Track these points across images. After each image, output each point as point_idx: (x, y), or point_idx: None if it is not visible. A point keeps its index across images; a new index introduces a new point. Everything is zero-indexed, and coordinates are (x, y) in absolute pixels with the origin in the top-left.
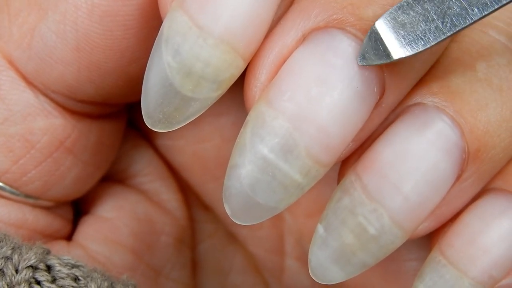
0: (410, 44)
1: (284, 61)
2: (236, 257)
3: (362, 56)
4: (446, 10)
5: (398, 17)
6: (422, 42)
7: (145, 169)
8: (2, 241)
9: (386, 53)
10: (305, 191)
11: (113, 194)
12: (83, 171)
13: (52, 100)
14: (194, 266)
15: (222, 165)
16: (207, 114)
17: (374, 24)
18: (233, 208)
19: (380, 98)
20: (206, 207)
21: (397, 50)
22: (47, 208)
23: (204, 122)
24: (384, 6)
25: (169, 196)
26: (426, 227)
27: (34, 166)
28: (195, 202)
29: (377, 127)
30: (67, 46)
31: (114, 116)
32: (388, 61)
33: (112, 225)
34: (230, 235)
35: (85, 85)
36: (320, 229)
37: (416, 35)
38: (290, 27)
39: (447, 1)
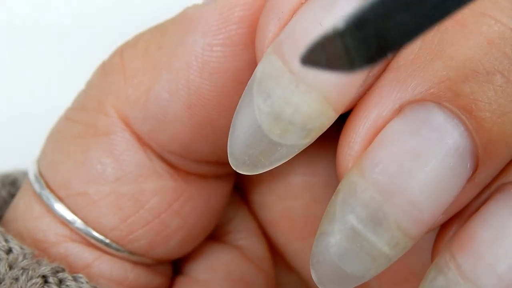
0: None
1: (379, 131)
2: None
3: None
4: None
5: None
6: None
7: (239, 225)
8: None
9: None
10: (392, 261)
11: (207, 253)
12: (189, 233)
13: (165, 161)
14: None
15: (309, 224)
16: (300, 172)
17: None
18: (319, 276)
19: (473, 173)
20: (289, 268)
21: None
22: (147, 265)
23: (296, 180)
24: (482, 83)
25: (262, 254)
26: None
27: (142, 226)
28: (279, 262)
29: (469, 201)
30: (179, 104)
31: (223, 177)
32: None
33: (206, 287)
34: None
35: (199, 143)
36: None
37: None
38: (386, 98)
39: None
